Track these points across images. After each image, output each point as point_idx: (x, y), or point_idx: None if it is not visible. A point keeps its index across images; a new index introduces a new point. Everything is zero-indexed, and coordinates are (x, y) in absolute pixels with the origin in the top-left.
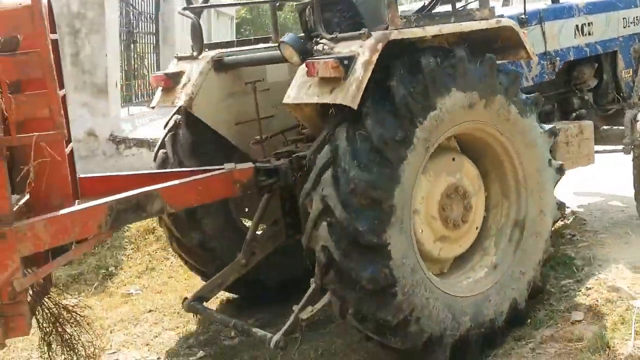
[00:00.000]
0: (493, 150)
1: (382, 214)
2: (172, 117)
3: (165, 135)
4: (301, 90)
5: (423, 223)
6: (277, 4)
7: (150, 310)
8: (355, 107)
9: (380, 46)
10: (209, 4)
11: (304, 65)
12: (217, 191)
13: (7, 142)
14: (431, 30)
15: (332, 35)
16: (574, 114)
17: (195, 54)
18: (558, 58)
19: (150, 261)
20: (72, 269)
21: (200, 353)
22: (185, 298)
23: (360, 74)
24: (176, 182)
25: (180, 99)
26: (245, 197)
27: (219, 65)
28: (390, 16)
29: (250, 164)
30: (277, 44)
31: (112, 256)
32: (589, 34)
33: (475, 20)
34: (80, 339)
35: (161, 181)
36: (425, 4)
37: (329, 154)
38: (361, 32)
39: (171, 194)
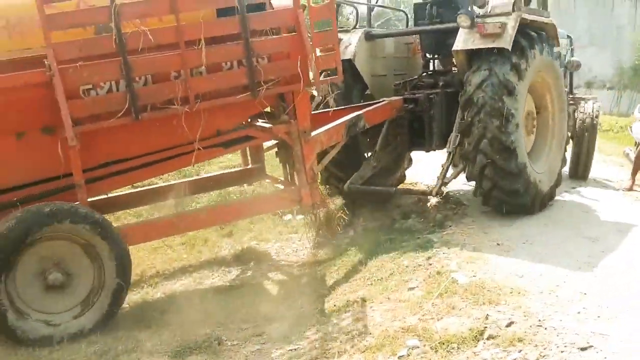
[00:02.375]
0: (542, 86)
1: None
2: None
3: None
4: (467, 42)
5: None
6: None
7: None
8: (509, 48)
9: (518, 19)
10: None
11: (470, 26)
12: (386, 113)
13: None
14: (536, 18)
15: (485, 13)
16: None
17: (350, 28)
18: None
19: None
20: None
21: None
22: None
23: (511, 32)
24: (369, 108)
25: (346, 55)
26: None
27: (368, 36)
28: (518, 5)
29: (400, 97)
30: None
31: None
32: None
33: (546, 17)
34: None
35: (352, 111)
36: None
37: (487, 72)
38: (505, 11)
39: (368, 116)
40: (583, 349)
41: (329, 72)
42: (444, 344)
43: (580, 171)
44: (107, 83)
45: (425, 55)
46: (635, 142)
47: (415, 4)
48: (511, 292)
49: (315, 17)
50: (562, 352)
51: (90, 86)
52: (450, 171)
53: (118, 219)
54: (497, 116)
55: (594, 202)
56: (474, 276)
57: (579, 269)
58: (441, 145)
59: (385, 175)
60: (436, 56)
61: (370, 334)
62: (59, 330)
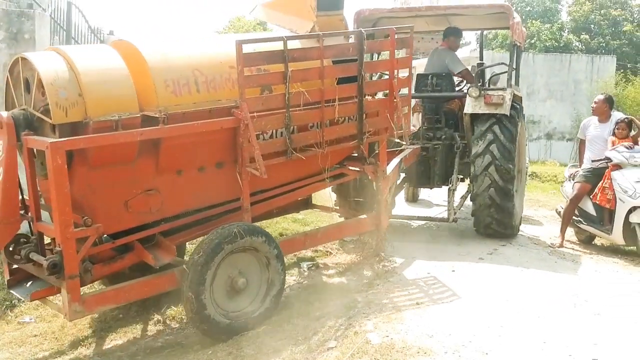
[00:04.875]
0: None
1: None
2: None
3: None
4: (475, 107)
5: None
6: None
7: (35, 335)
8: (508, 114)
9: (512, 93)
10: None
11: (479, 96)
12: (412, 158)
13: None
14: (518, 93)
15: (488, 88)
16: None
17: None
18: None
19: None
20: None
21: None
22: None
23: (508, 102)
24: (404, 154)
25: None
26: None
27: None
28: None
29: (419, 146)
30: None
31: None
32: None
33: (519, 91)
34: None
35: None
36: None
37: (492, 136)
38: (503, 87)
39: (405, 160)
40: None
41: None
42: None
43: None
44: (271, 130)
45: (425, 114)
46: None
47: (418, 74)
48: (418, 352)
49: (400, 85)
50: None
51: (260, 132)
52: (456, 202)
53: None
54: (501, 171)
55: (522, 260)
56: (386, 336)
57: (488, 328)
58: (440, 183)
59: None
60: (434, 115)
61: None
62: (251, 318)
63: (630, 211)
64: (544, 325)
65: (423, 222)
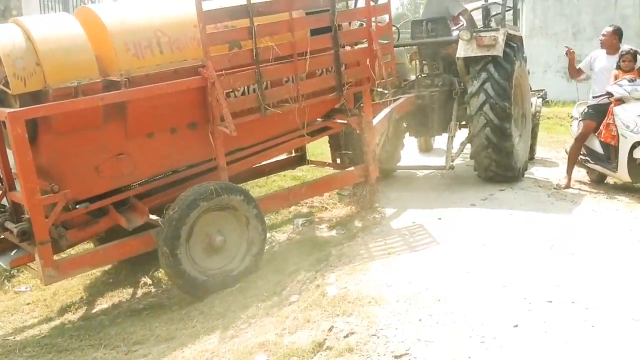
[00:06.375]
0: (519, 85)
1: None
2: None
3: None
4: (467, 51)
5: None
6: None
7: (28, 303)
8: (501, 55)
9: (505, 33)
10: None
11: (471, 38)
12: (406, 107)
13: None
14: (514, 32)
15: (480, 28)
16: None
17: None
18: None
19: None
20: None
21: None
22: None
23: (501, 43)
24: (396, 104)
25: None
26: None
27: None
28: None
29: (413, 94)
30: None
31: None
32: None
33: (517, 31)
34: None
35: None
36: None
37: (486, 75)
38: (495, 27)
39: (397, 109)
40: (397, 357)
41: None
42: (286, 357)
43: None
44: (242, 87)
45: (422, 61)
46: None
47: (412, 21)
48: (369, 302)
49: (379, 33)
50: None
51: (230, 90)
52: (455, 149)
53: None
54: (496, 109)
55: (515, 204)
56: (344, 288)
57: (451, 274)
58: (440, 131)
59: (391, 156)
60: (431, 62)
61: (230, 351)
62: (234, 272)
63: (634, 146)
64: (510, 269)
65: (429, 172)
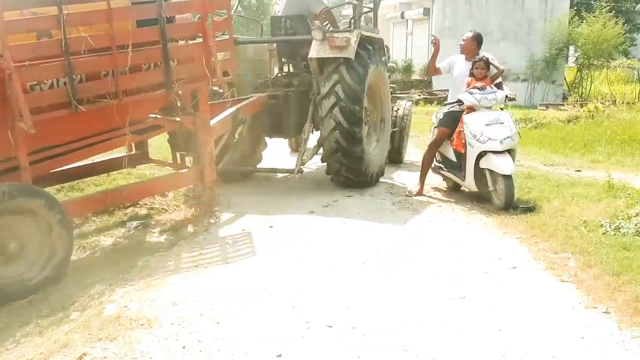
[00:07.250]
0: (375, 88)
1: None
2: None
3: None
4: (319, 51)
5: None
6: None
7: None
8: (352, 58)
9: (359, 35)
10: None
11: (324, 39)
12: (255, 107)
13: None
14: (370, 34)
15: (334, 30)
16: None
17: None
18: None
19: None
20: None
21: None
22: None
23: (354, 45)
24: (243, 103)
25: None
26: None
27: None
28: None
29: (265, 94)
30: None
31: None
32: None
33: (377, 33)
34: None
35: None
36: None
37: (338, 77)
38: (349, 28)
39: (244, 109)
40: None
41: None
42: None
43: (395, 156)
44: (50, 80)
45: (281, 59)
46: None
47: (272, 17)
48: (142, 325)
49: (216, 28)
50: None
51: (36, 82)
52: (307, 154)
53: None
54: (346, 112)
55: (354, 212)
56: (125, 307)
57: (243, 292)
58: (296, 133)
59: (248, 157)
60: (290, 61)
61: None
62: (32, 282)
63: (480, 156)
64: (309, 287)
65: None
